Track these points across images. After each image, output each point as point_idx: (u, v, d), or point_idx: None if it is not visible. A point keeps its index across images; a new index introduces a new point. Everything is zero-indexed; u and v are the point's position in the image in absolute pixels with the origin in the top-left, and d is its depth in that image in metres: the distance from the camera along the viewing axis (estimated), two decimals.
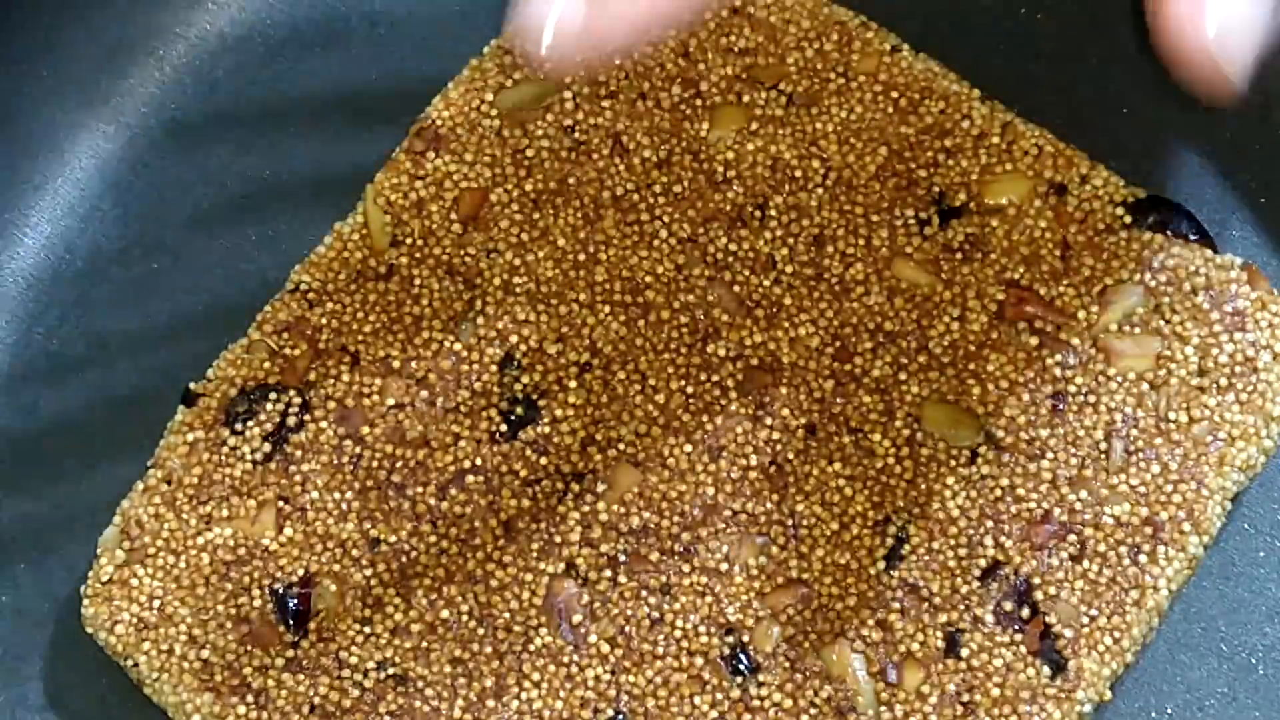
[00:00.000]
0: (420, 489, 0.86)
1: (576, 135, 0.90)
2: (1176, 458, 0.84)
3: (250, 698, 0.84)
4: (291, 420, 0.87)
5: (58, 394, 0.95)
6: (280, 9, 1.00)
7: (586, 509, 0.85)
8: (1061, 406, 0.85)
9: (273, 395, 0.88)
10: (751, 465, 0.86)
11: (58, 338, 0.96)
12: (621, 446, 0.86)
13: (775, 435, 0.86)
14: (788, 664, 0.83)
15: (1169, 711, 0.88)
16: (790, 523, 0.85)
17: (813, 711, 0.83)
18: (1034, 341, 0.86)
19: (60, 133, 0.98)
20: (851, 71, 0.91)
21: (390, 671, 0.84)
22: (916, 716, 0.82)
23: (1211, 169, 0.94)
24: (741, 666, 0.83)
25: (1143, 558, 0.83)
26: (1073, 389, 0.85)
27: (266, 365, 0.88)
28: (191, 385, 0.88)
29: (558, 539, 0.85)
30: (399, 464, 0.86)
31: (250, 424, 0.87)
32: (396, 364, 0.88)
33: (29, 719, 0.90)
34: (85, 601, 0.86)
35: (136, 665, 0.85)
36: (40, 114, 0.98)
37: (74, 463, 0.93)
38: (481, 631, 0.84)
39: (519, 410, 0.87)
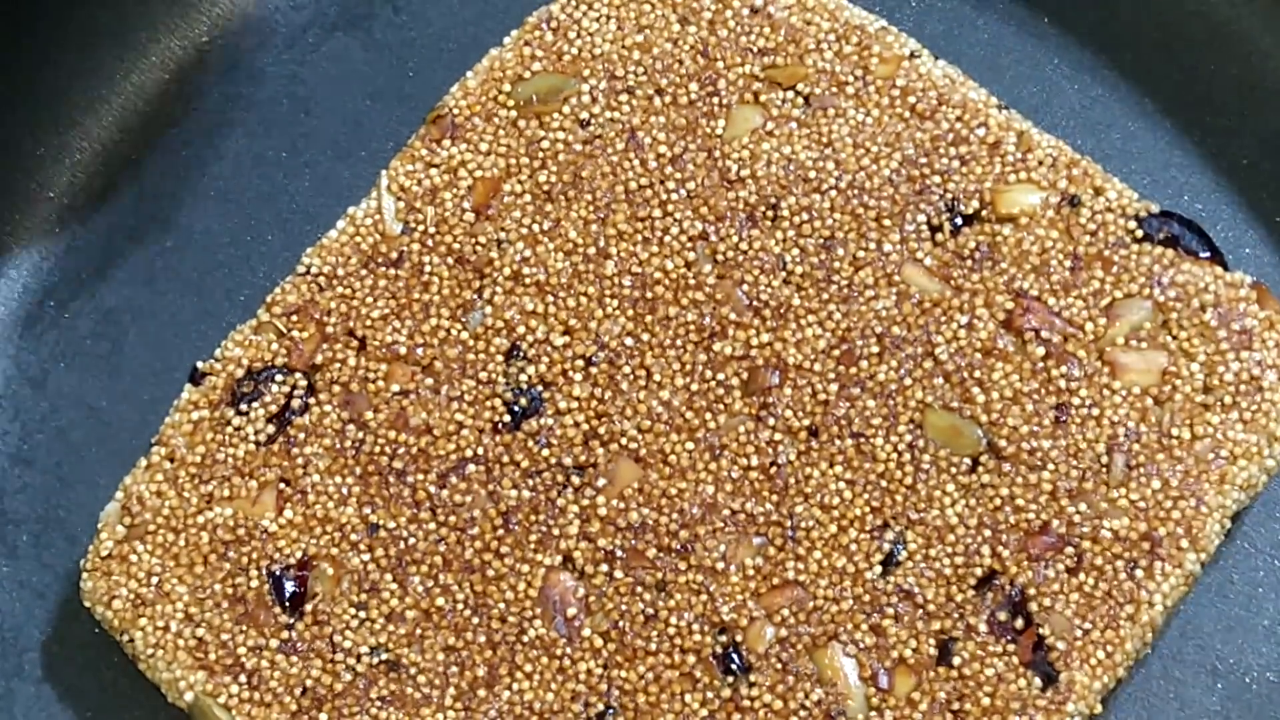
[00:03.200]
0: (421, 476, 0.86)
1: (592, 129, 0.90)
2: (1177, 474, 0.84)
3: (243, 677, 0.84)
4: (296, 403, 0.88)
5: (66, 367, 0.95)
6: None
7: (586, 503, 0.85)
8: (1064, 418, 0.85)
9: (278, 377, 0.88)
10: (752, 465, 0.85)
11: (69, 311, 0.96)
12: (623, 441, 0.86)
13: (777, 436, 0.86)
14: (780, 665, 0.83)
15: None
16: (788, 524, 0.85)
17: (803, 714, 0.83)
18: (1040, 352, 0.86)
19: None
20: (870, 75, 0.91)
21: (383, 657, 0.84)
22: None
23: (1226, 186, 0.94)
24: (733, 666, 0.83)
25: (1139, 573, 0.83)
26: (1076, 401, 0.85)
27: (274, 347, 0.88)
28: (199, 364, 0.89)
29: (556, 531, 0.85)
30: (401, 450, 0.87)
31: (255, 405, 0.88)
32: (403, 350, 0.88)
33: (25, 690, 0.91)
34: (84, 575, 0.87)
35: (132, 640, 0.86)
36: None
37: (79, 436, 0.94)
38: (476, 621, 0.85)
39: (523, 401, 0.87)
